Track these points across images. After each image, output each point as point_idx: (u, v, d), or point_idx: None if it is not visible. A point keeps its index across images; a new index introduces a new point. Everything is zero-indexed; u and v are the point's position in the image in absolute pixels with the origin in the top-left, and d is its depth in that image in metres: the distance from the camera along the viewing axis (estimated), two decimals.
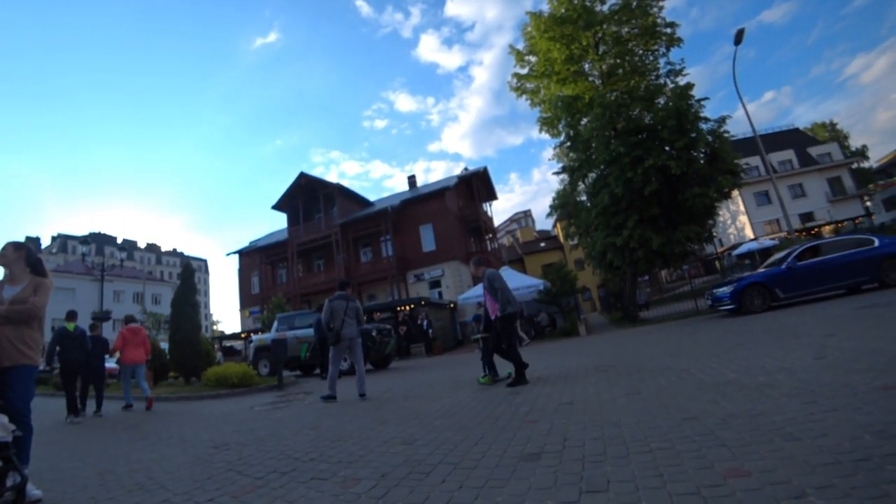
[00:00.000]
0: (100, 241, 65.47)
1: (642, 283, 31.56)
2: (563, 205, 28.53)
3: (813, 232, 34.45)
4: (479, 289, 20.57)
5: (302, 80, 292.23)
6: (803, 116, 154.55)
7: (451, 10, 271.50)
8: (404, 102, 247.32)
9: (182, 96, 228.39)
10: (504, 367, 6.69)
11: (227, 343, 32.03)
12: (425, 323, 18.97)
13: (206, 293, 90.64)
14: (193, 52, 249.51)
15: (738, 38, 15.54)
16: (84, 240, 16.94)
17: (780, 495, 1.67)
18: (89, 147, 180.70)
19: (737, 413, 2.85)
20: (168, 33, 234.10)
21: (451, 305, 25.25)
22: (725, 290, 11.20)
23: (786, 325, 7.17)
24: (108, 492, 2.97)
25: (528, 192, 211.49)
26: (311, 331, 11.88)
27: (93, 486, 3.15)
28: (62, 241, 68.43)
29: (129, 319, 9.16)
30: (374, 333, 11.88)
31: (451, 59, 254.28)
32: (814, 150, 42.90)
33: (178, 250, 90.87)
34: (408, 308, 22.03)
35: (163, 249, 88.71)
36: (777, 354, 4.66)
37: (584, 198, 19.37)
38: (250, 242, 39.01)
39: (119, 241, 71.40)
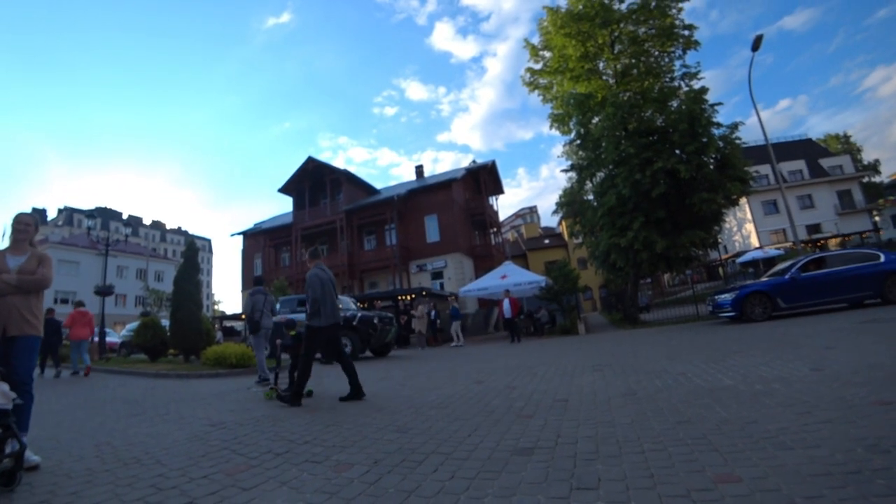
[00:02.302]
0: (105, 215, 65.67)
1: (644, 286, 31.46)
2: (570, 203, 28.43)
3: (819, 244, 34.27)
4: (481, 281, 20.67)
5: (313, 62, 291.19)
6: (817, 127, 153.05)
7: None
8: (415, 91, 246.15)
9: (192, 73, 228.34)
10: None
11: (228, 323, 32.23)
12: (433, 313, 18.99)
13: (209, 272, 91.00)
14: (205, 29, 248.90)
15: (756, 45, 15.37)
16: (90, 213, 16.95)
17: (770, 503, 1.69)
18: (96, 120, 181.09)
19: (731, 419, 2.86)
20: (181, 8, 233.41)
21: (453, 297, 25.31)
22: (727, 296, 11.18)
23: (786, 335, 7.16)
24: (104, 464, 3.01)
25: (535, 188, 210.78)
26: None
27: (89, 458, 3.19)
28: (68, 213, 68.70)
29: (78, 304, 11.33)
30: (375, 321, 11.81)
31: (465, 49, 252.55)
32: (825, 162, 42.57)
33: (183, 229, 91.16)
34: (409, 297, 22.08)
35: (168, 227, 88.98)
36: (775, 364, 4.66)
37: (590, 197, 19.30)
38: (255, 224, 39.11)
39: (125, 216, 71.78)
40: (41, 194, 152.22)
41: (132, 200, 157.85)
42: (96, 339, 13.68)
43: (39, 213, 64.27)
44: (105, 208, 70.31)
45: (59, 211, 71.85)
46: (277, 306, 8.42)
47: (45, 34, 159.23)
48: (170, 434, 3.84)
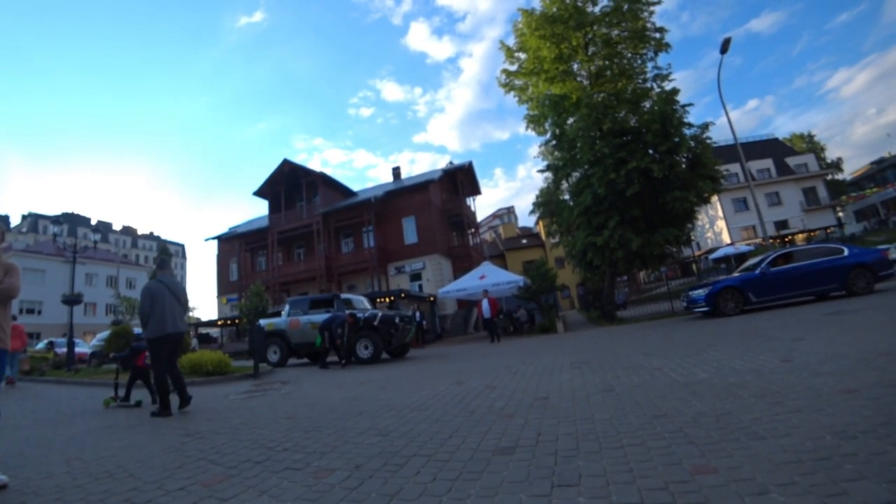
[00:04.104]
0: (73, 221, 63.55)
1: (621, 283, 32.05)
2: (546, 203, 28.72)
3: (787, 239, 35.46)
4: (460, 282, 20.70)
5: (287, 62, 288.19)
6: (784, 126, 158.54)
7: None
8: (391, 91, 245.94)
9: (162, 74, 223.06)
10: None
11: (203, 330, 31.55)
12: (418, 315, 18.88)
13: (183, 279, 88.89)
14: (174, 28, 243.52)
15: (725, 48, 15.80)
16: (56, 220, 16.36)
17: (745, 491, 1.73)
18: (62, 122, 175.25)
19: (706, 412, 2.92)
20: (149, 4, 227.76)
21: (431, 299, 25.27)
22: (701, 292, 11.44)
23: (757, 328, 7.37)
24: (75, 479, 2.90)
25: (512, 188, 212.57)
26: (326, 315, 11.27)
27: (59, 474, 3.07)
28: (33, 220, 66.30)
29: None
30: (396, 320, 11.09)
31: (440, 50, 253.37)
32: (791, 161, 44.07)
33: (155, 234, 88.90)
34: (388, 300, 21.96)
35: (139, 233, 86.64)
36: (747, 356, 4.79)
37: (567, 197, 19.51)
38: (230, 228, 38.38)
39: (93, 222, 69.54)
40: (2, 199, 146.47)
41: (101, 206, 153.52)
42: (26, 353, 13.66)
43: (2, 220, 61.93)
44: (72, 214, 67.99)
45: (24, 217, 69.24)
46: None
47: (4, 31, 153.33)
48: (144, 446, 3.72)
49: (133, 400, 6.49)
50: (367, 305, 13.01)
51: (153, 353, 5.40)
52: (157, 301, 5.34)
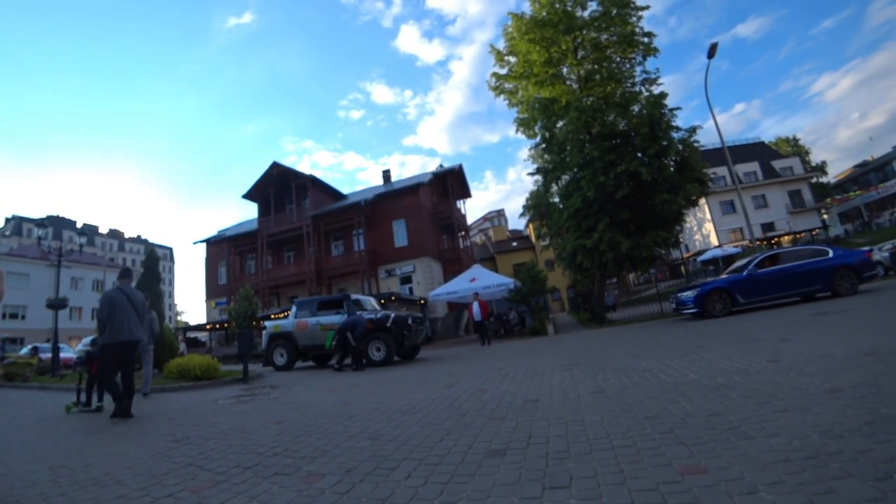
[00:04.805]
0: (58, 224, 62.70)
1: (610, 286, 32.27)
2: (536, 205, 28.86)
3: (773, 241, 35.92)
4: (450, 285, 20.69)
5: (276, 64, 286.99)
6: (770, 130, 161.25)
7: (433, 1, 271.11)
8: (381, 94, 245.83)
9: (149, 75, 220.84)
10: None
11: (192, 334, 31.21)
12: (410, 319, 18.80)
13: (171, 282, 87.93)
14: (163, 28, 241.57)
15: (712, 52, 15.99)
16: (41, 222, 16.11)
17: (734, 491, 1.74)
18: (47, 124, 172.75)
19: (695, 412, 2.95)
20: (136, 4, 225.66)
21: (422, 302, 25.23)
22: (689, 294, 11.54)
23: (745, 329, 7.45)
24: (60, 487, 2.85)
25: (502, 191, 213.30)
26: (336, 317, 11.16)
27: (43, 482, 3.00)
28: (17, 223, 65.22)
29: None
30: (409, 321, 10.98)
31: (430, 53, 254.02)
32: (777, 164, 44.73)
33: (143, 237, 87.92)
34: (380, 303, 21.86)
35: (126, 236, 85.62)
36: (735, 357, 4.84)
37: (556, 199, 19.62)
38: (219, 231, 38.07)
39: (79, 225, 68.58)
40: None
41: (88, 209, 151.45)
42: None
43: None
44: (58, 217, 67.09)
45: (7, 220, 68.10)
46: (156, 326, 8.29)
47: None
48: (131, 452, 3.66)
49: (94, 405, 6.60)
50: (376, 306, 12.85)
51: (106, 357, 5.59)
52: (115, 308, 5.53)
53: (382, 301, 21.78)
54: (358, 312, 10.71)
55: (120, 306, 5.57)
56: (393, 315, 10.91)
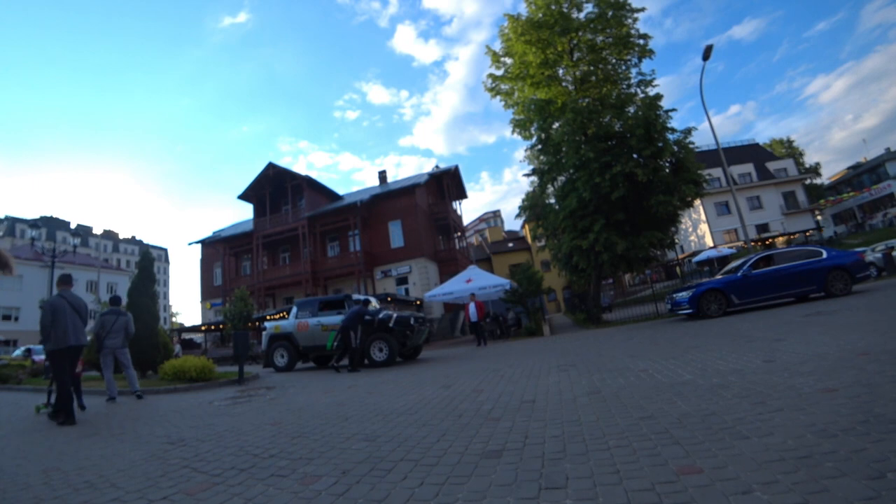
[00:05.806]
0: (52, 225, 62.24)
1: (606, 286, 32.32)
2: (532, 206, 28.82)
3: (767, 242, 36.12)
4: (446, 286, 20.68)
5: (271, 64, 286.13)
6: (765, 132, 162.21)
7: (429, 2, 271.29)
8: (377, 94, 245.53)
9: (143, 75, 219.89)
10: None
11: (187, 335, 31.09)
12: (412, 319, 18.76)
13: (166, 283, 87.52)
14: (157, 27, 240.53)
15: (707, 54, 16.09)
16: (34, 223, 16.03)
17: (729, 491, 1.75)
18: (41, 124, 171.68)
19: (691, 412, 2.96)
20: (130, 3, 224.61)
21: (418, 302, 25.22)
22: (684, 294, 11.59)
23: (739, 329, 7.48)
24: (54, 490, 2.83)
25: (498, 192, 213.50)
26: (337, 318, 11.09)
27: (37, 485, 2.98)
28: (10, 223, 64.65)
29: None
30: (412, 321, 10.87)
31: (427, 53, 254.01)
32: (771, 165, 45.00)
33: (137, 238, 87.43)
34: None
35: (121, 236, 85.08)
36: (730, 357, 4.86)
37: (552, 200, 19.66)
38: (214, 232, 37.95)
39: (73, 226, 68.15)
40: None
41: (82, 209, 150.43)
42: None
43: None
44: (51, 217, 66.51)
45: (0, 221, 67.55)
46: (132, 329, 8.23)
47: None
48: (125, 454, 3.64)
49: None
50: (377, 306, 12.80)
51: (55, 364, 5.66)
52: (58, 315, 5.60)
53: (379, 302, 21.76)
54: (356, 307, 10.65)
55: (63, 313, 5.65)
56: (395, 315, 10.84)
